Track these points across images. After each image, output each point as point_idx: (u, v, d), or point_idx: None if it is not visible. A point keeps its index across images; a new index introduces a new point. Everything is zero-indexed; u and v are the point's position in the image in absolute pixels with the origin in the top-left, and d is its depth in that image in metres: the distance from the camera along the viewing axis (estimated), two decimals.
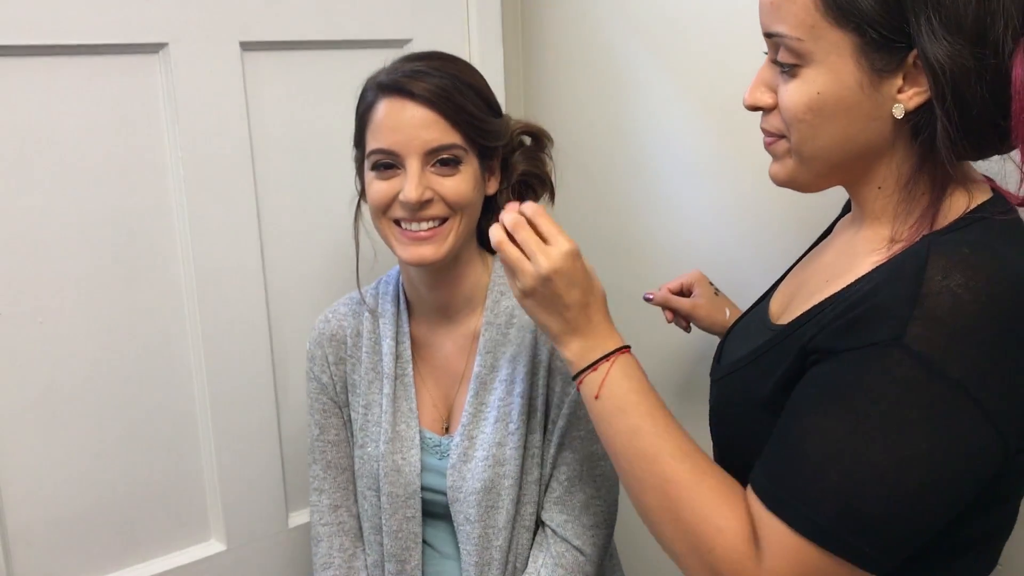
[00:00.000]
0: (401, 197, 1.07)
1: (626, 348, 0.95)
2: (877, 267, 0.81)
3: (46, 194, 1.20)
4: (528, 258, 0.93)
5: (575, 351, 0.94)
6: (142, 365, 1.31)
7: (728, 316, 1.28)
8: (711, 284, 1.33)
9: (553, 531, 1.16)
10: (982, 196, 0.82)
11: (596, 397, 0.92)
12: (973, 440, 0.72)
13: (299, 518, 1.48)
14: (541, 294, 0.93)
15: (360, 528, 1.27)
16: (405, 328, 1.22)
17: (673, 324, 1.35)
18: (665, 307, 1.33)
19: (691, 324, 1.33)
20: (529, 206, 0.96)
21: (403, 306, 1.22)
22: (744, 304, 1.14)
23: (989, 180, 0.86)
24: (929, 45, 0.74)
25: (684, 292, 1.33)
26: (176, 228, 1.30)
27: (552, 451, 1.16)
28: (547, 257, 0.92)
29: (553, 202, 1.22)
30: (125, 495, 1.32)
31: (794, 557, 0.75)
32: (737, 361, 0.94)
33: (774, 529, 0.76)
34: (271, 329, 1.40)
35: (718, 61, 1.36)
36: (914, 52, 0.76)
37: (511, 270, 0.96)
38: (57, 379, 1.24)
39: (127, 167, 1.25)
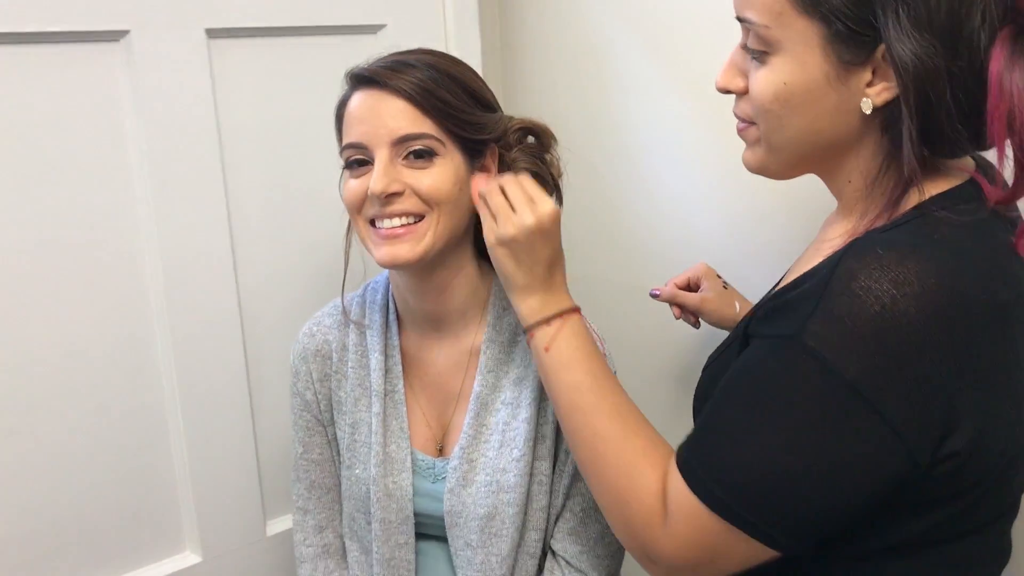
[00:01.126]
0: (368, 190, 1.01)
1: (577, 309, 0.99)
2: (824, 260, 0.80)
3: (2, 189, 1.13)
4: (514, 210, 0.97)
5: (532, 306, 0.98)
6: (109, 369, 1.25)
7: (738, 310, 1.25)
8: (719, 277, 1.29)
9: (568, 562, 1.11)
10: (936, 189, 0.80)
11: (546, 349, 0.96)
12: (867, 440, 0.73)
13: (277, 526, 1.43)
14: (519, 244, 0.96)
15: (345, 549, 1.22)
16: (395, 341, 1.15)
17: (681, 320, 1.30)
18: (673, 303, 1.29)
19: (700, 320, 1.29)
20: (520, 174, 1.02)
21: (392, 317, 1.15)
22: (755, 297, 1.11)
23: (977, 170, 0.83)
24: (896, 42, 0.73)
25: (691, 287, 1.29)
26: (141, 225, 1.24)
27: (566, 481, 1.11)
28: (533, 212, 0.96)
29: (561, 205, 1.13)
30: (93, 507, 1.26)
31: (695, 522, 0.79)
32: (717, 349, 0.96)
33: (680, 493, 0.80)
34: (243, 328, 1.35)
35: (704, 43, 1.33)
36: (883, 46, 0.74)
37: (493, 215, 0.98)
38: (18, 384, 1.18)
39: (89, 161, 1.19)
